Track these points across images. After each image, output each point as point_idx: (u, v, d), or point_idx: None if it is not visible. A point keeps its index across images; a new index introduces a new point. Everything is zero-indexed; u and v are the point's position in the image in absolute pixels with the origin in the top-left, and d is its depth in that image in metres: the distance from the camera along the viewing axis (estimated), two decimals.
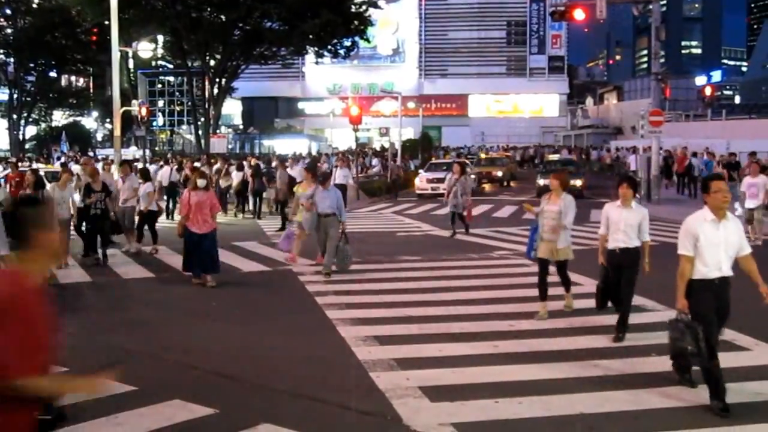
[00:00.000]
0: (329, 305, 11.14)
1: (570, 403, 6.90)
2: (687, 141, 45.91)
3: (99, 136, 78.46)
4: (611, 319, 10.14)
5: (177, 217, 19.40)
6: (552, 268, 10.55)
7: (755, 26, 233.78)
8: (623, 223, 9.00)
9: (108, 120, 65.00)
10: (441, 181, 32.91)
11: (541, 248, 10.33)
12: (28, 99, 62.76)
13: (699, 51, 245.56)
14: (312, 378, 7.79)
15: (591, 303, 11.03)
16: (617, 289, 9.30)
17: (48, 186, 15.49)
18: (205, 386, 7.56)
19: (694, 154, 35.45)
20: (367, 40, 58.16)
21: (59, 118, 75.07)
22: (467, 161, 41.02)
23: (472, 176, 36.54)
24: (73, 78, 73.50)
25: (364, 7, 51.70)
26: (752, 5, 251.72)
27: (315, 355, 8.70)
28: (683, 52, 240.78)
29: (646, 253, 9.04)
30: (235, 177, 25.95)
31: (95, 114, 77.60)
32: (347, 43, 53.77)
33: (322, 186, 14.27)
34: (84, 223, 15.61)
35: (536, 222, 10.62)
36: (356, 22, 51.07)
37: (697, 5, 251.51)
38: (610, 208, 9.27)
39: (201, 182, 12.93)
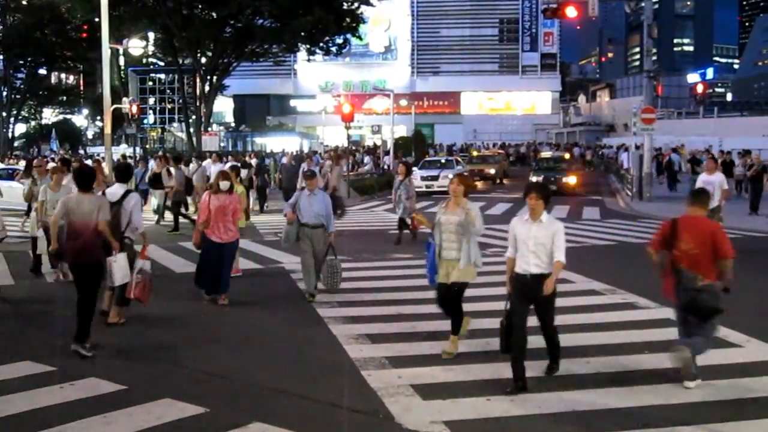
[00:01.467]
0: (321, 303, 11.11)
1: (562, 400, 6.89)
2: (679, 138, 46.17)
3: (89, 134, 78.34)
4: (602, 317, 10.16)
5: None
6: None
7: (747, 24, 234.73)
8: (533, 242, 7.36)
9: (98, 118, 64.96)
10: (435, 178, 33.13)
11: (440, 270, 8.58)
12: (18, 96, 62.56)
13: (691, 48, 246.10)
14: (303, 376, 7.75)
15: (583, 300, 11.14)
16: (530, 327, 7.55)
17: (40, 188, 13.17)
18: (195, 385, 7.51)
19: (674, 150, 35.95)
20: (359, 38, 58.01)
21: (49, 115, 74.97)
22: (460, 159, 41.06)
23: (465, 173, 36.76)
24: (63, 75, 73.41)
25: (356, 5, 51.71)
26: (744, 3, 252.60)
27: (306, 353, 8.67)
28: (675, 49, 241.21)
29: (554, 274, 7.31)
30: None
31: (85, 112, 77.46)
32: (339, 40, 53.82)
33: (308, 188, 11.67)
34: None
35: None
36: (348, 20, 51.09)
37: (689, 3, 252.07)
38: (517, 224, 7.62)
39: (224, 184, 11.31)
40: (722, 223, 14.65)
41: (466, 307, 10.43)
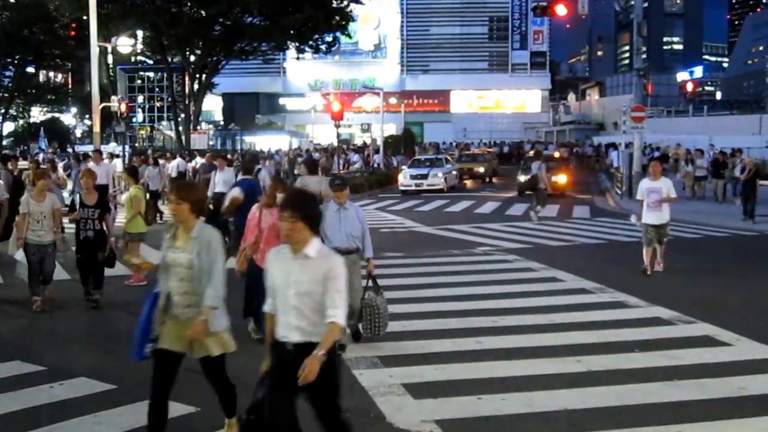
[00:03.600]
0: None
1: (553, 399, 6.87)
2: (669, 137, 46.33)
3: (78, 133, 77.93)
4: (594, 315, 10.15)
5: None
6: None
7: (736, 22, 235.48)
8: (294, 291, 4.58)
9: (87, 116, 64.67)
10: (425, 177, 33.19)
11: (166, 332, 5.57)
12: (6, 95, 62.28)
13: (680, 47, 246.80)
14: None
15: (573, 299, 11.11)
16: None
17: (23, 196, 11.20)
18: (186, 384, 7.43)
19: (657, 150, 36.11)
20: (349, 36, 58.07)
21: (37, 114, 74.65)
22: (449, 157, 41.05)
23: (454, 172, 36.79)
24: (51, 74, 72.99)
25: (345, 3, 51.78)
26: (733, 1, 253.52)
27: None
28: (665, 47, 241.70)
29: (325, 345, 4.44)
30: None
31: (74, 110, 77.12)
32: (329, 38, 53.87)
33: (336, 199, 8.70)
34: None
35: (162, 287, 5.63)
36: (337, 18, 51.15)
37: (678, 1, 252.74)
38: (273, 260, 4.79)
39: (280, 198, 8.20)
40: (666, 239, 13.36)
41: (457, 306, 10.51)
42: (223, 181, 16.82)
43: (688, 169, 29.91)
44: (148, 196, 16.86)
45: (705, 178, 29.01)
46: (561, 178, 30.72)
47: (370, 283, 8.87)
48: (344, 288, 4.61)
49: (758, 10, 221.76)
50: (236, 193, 10.76)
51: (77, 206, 11.04)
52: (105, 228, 11.03)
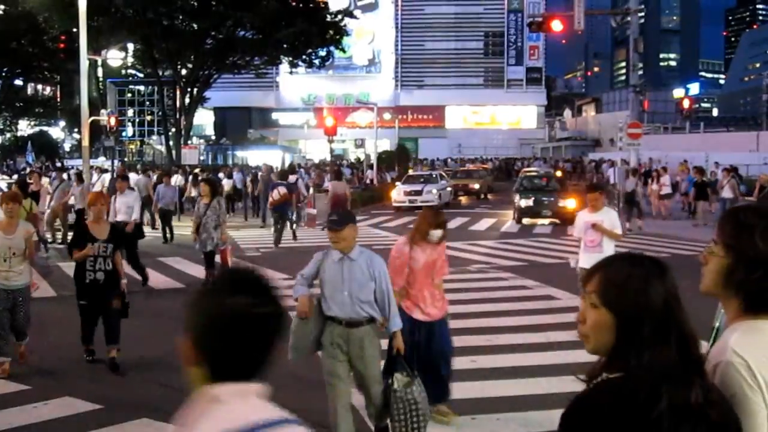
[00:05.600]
0: None
1: (548, 418, 6.27)
2: (666, 154, 45.80)
3: (66, 147, 77.78)
4: None
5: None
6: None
7: (733, 39, 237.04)
8: None
9: (76, 130, 64.39)
10: (419, 193, 32.49)
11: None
12: None
13: (677, 63, 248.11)
14: (285, 396, 6.95)
15: (568, 317, 10.75)
16: None
17: None
18: (174, 404, 6.74)
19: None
20: (343, 50, 57.60)
21: (25, 127, 74.40)
22: (444, 174, 40.50)
23: (449, 188, 36.15)
24: (39, 86, 72.87)
25: (339, 17, 51.54)
26: (730, 18, 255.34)
27: (289, 372, 7.92)
28: (661, 64, 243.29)
29: None
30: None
31: (62, 123, 77.23)
32: (322, 52, 53.58)
33: (337, 247, 5.94)
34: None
35: None
36: (331, 32, 50.89)
37: (675, 17, 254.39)
38: None
39: (436, 233, 6.87)
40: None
41: (451, 324, 10.14)
42: (125, 207, 14.10)
43: (653, 187, 29.16)
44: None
45: (669, 197, 28.37)
46: (570, 203, 24.83)
47: (398, 367, 6.06)
48: None
49: (755, 27, 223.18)
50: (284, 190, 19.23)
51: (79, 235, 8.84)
52: (116, 267, 8.76)
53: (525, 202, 26.17)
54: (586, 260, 9.99)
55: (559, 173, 41.08)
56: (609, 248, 10.00)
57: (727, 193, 23.84)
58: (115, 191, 15.50)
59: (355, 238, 5.95)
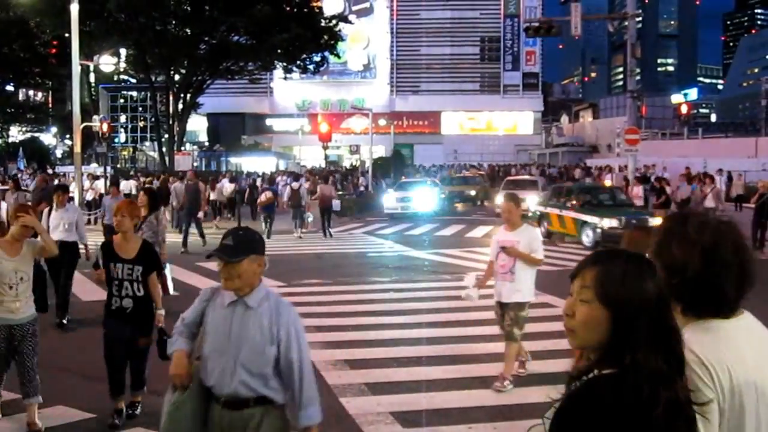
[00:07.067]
0: None
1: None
2: (664, 160, 45.40)
3: (58, 153, 77.50)
4: None
5: None
6: None
7: (731, 44, 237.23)
8: None
9: (68, 136, 64.00)
10: (411, 200, 32.22)
11: None
12: None
13: (674, 68, 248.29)
14: None
15: (560, 326, 9.92)
16: None
17: None
18: None
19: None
20: (337, 56, 57.10)
21: (16, 133, 74.11)
22: (437, 181, 40.14)
23: (442, 196, 35.73)
24: (31, 92, 72.63)
25: (334, 22, 51.36)
26: (728, 23, 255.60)
27: None
28: (659, 69, 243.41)
29: None
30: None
31: (54, 130, 76.96)
32: (317, 58, 53.29)
33: (225, 282, 3.79)
34: None
35: None
36: (326, 37, 50.59)
37: (672, 22, 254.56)
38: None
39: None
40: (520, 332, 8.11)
41: (447, 332, 10.54)
42: (65, 224, 11.13)
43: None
44: None
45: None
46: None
47: None
48: None
49: (753, 31, 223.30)
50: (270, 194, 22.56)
51: (99, 257, 7.08)
52: (151, 294, 6.93)
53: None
54: (497, 289, 8.28)
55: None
56: (524, 276, 8.10)
57: (710, 202, 23.03)
58: (45, 202, 13.64)
59: (258, 276, 3.83)
